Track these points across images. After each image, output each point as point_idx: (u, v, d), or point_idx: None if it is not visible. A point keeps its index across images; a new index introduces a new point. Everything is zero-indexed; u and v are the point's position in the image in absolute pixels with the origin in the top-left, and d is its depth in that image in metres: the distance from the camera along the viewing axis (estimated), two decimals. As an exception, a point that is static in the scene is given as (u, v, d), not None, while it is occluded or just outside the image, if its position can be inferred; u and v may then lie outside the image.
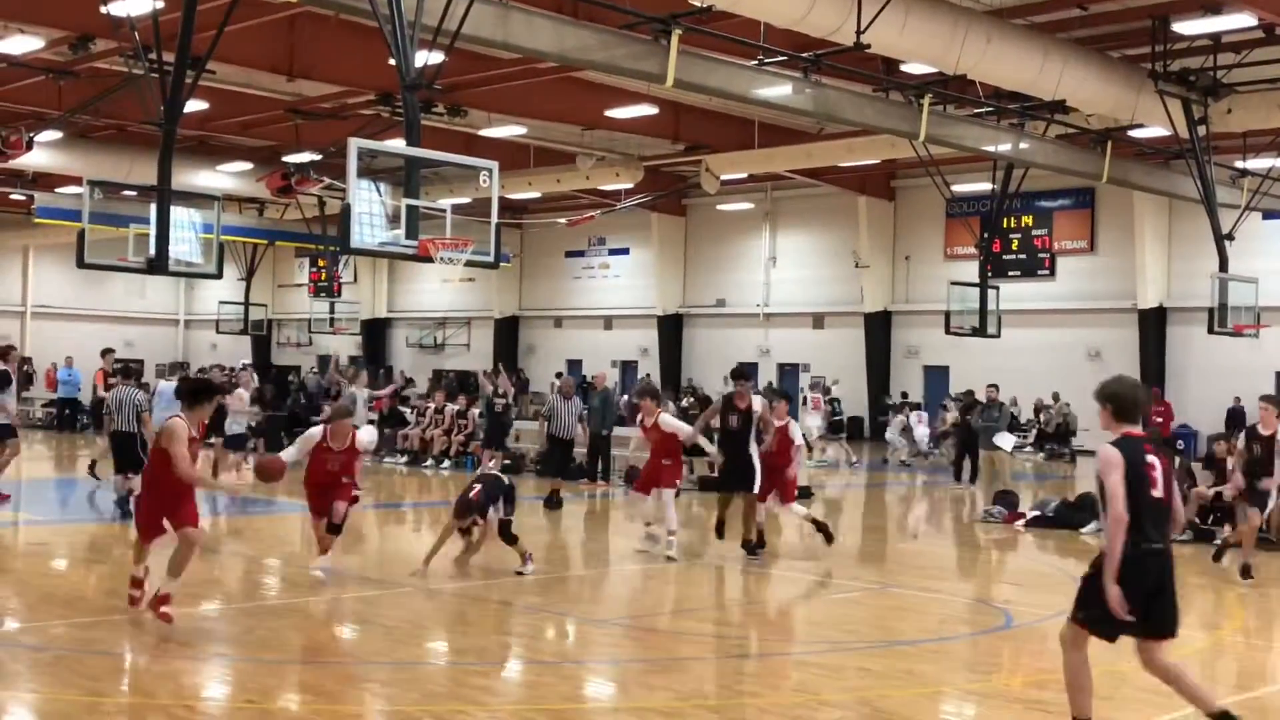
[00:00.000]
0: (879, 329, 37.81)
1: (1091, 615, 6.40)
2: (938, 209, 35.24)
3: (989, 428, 21.07)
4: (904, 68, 21.63)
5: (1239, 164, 26.89)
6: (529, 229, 42.96)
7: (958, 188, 31.83)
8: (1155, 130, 24.05)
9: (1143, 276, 32.91)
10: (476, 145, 28.31)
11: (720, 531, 14.04)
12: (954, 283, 30.45)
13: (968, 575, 14.84)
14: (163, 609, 9.01)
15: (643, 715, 7.41)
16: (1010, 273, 34.15)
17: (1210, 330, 25.60)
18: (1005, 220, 33.80)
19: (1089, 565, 6.58)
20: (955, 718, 7.97)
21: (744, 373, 14.79)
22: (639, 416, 14.47)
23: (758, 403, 13.69)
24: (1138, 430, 6.52)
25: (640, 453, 15.44)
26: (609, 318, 43.98)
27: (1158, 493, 6.29)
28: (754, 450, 13.59)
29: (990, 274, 30.78)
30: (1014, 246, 35.13)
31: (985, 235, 28.49)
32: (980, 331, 29.47)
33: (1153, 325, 32.81)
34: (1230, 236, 25.32)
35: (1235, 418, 28.18)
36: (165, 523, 9.19)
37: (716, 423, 14.13)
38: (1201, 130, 23.33)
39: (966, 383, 32.07)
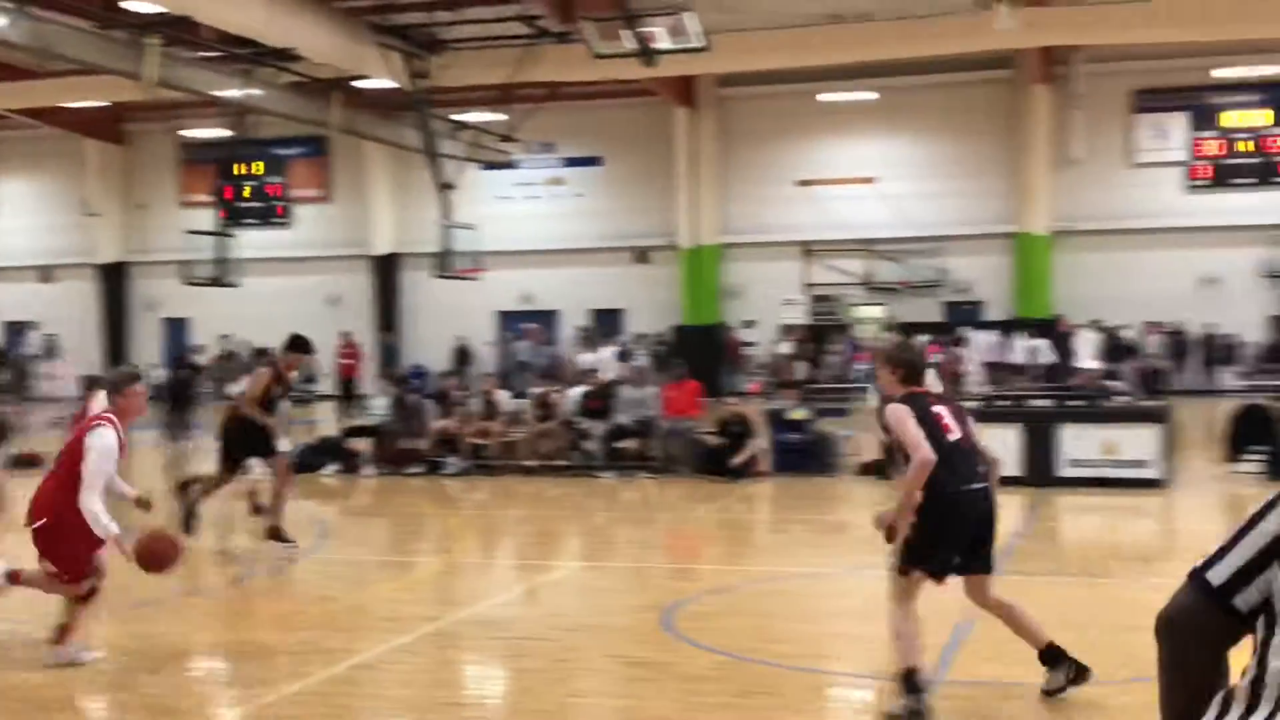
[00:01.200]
0: (114, 281, 36.10)
1: (920, 557, 6.33)
2: (172, 155, 34.20)
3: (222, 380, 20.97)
4: (129, 6, 20.73)
5: (459, 117, 28.70)
6: None
7: (193, 133, 31.15)
8: (383, 82, 25.02)
9: (376, 225, 34.22)
10: None
11: (279, 534, 11.65)
12: (191, 231, 29.77)
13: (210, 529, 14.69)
14: None
15: None
16: (247, 221, 33.91)
17: (437, 275, 27.35)
18: (241, 167, 33.62)
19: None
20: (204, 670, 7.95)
21: (306, 345, 12.31)
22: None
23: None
24: (922, 389, 6.70)
25: None
26: None
27: (954, 436, 6.40)
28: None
29: (228, 222, 30.53)
30: (247, 194, 34.94)
31: (221, 183, 28.20)
32: (220, 281, 29.15)
33: (385, 271, 34.27)
34: (451, 186, 27.06)
35: (462, 355, 30.31)
36: None
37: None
38: (423, 83, 24.68)
39: (209, 334, 31.67)
